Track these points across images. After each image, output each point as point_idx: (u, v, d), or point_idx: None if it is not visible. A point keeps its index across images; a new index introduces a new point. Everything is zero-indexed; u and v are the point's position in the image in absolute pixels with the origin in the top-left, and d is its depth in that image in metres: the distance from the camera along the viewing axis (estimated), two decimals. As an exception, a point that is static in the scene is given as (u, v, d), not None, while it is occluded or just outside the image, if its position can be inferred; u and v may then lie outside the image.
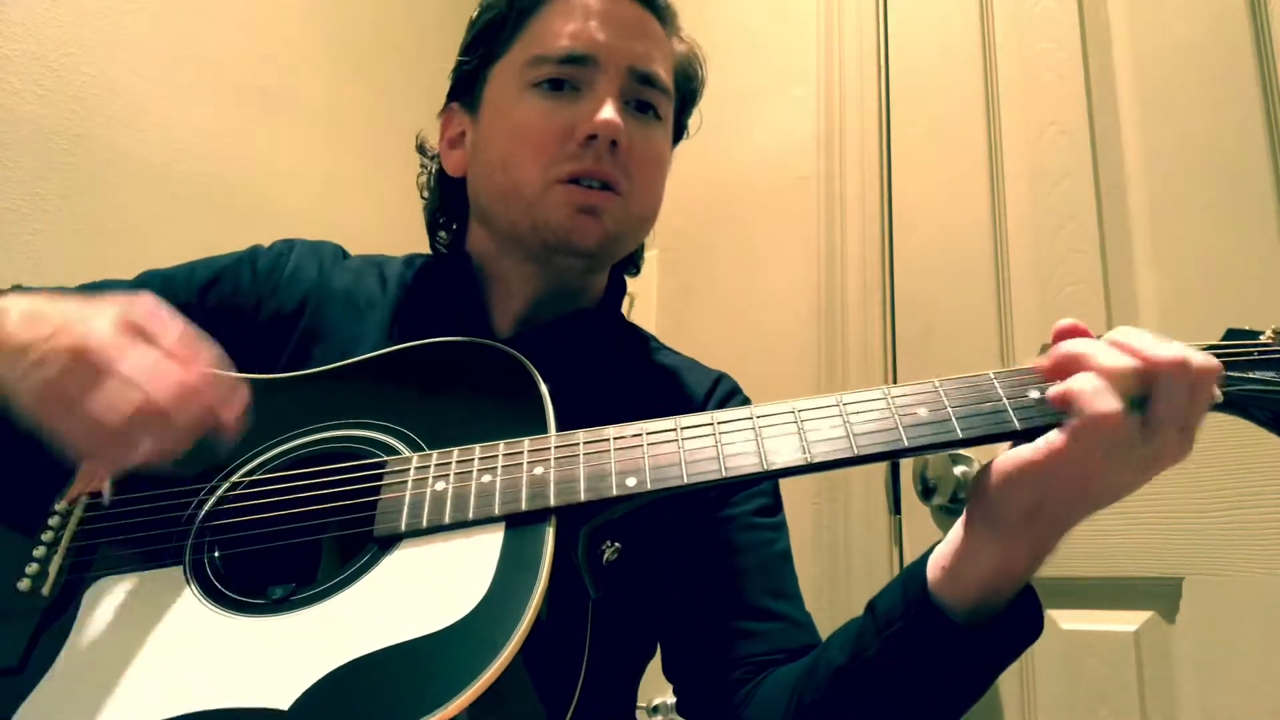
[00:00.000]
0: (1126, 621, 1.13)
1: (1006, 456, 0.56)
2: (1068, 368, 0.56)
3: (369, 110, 1.92)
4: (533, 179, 0.79)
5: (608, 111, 0.78)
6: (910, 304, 1.45)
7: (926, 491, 1.29)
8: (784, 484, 0.89)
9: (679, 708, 0.82)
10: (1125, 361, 0.53)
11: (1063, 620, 1.18)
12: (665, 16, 0.88)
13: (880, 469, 1.40)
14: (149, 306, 0.63)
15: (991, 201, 1.37)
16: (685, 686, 0.80)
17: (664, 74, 0.85)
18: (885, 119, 1.54)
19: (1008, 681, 1.22)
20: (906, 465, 1.35)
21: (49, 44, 1.47)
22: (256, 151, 1.74)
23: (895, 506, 1.38)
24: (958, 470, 1.27)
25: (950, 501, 1.28)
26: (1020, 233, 1.33)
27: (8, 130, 1.41)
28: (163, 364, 0.59)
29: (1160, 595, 1.11)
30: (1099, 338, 0.57)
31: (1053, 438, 0.54)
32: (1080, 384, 0.54)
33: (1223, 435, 1.07)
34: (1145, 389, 0.53)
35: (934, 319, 1.41)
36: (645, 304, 1.81)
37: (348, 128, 1.90)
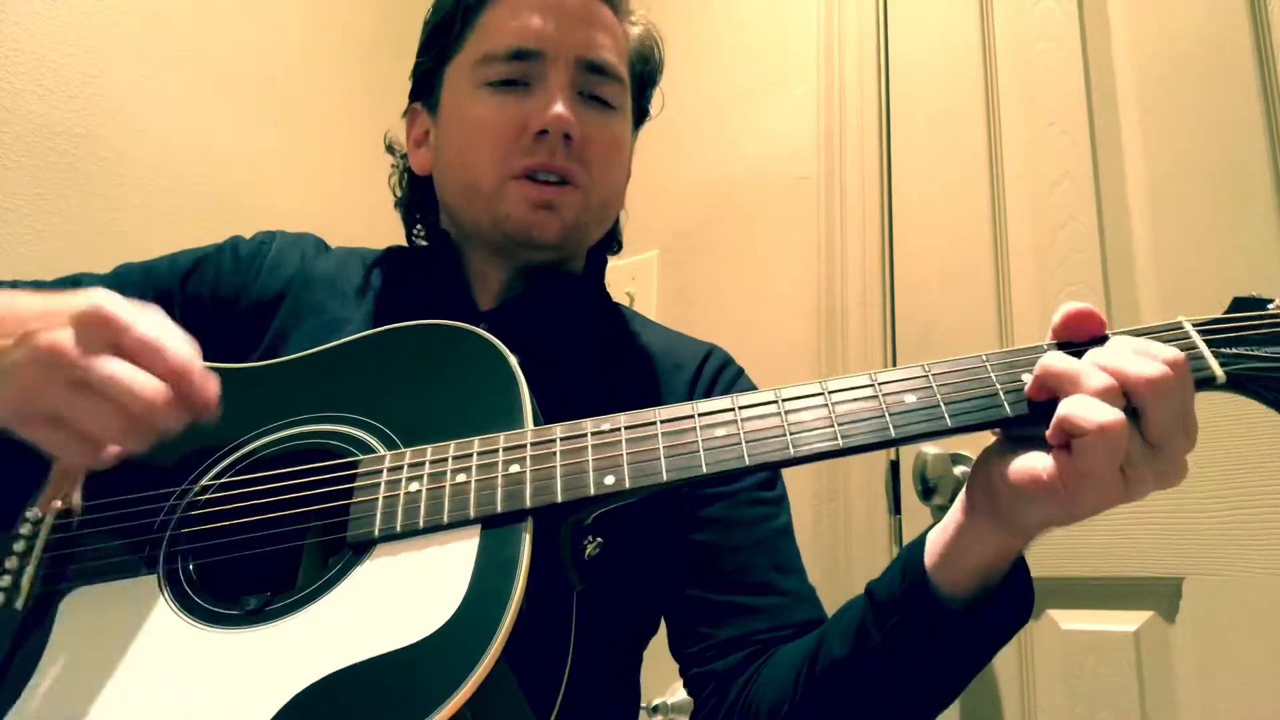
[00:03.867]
0: (1126, 621, 1.13)
1: (1021, 469, 0.53)
2: (1051, 387, 0.53)
3: (367, 110, 1.92)
4: (489, 174, 0.81)
5: (558, 106, 0.79)
6: (910, 304, 1.45)
7: (926, 491, 1.29)
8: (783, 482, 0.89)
9: (686, 687, 0.81)
10: (1107, 381, 0.51)
11: (1063, 620, 1.18)
12: (614, 2, 0.88)
13: (880, 469, 1.40)
14: (106, 300, 0.59)
15: (991, 201, 1.37)
16: (692, 667, 0.80)
17: (615, 61, 0.85)
18: (885, 119, 1.54)
19: (1008, 681, 1.21)
20: (906, 465, 1.35)
21: (49, 44, 1.47)
22: (255, 151, 1.74)
23: (895, 506, 1.38)
24: (958, 470, 1.27)
25: (950, 501, 1.27)
26: (1020, 233, 1.33)
27: (8, 130, 1.41)
28: (128, 368, 0.57)
29: (1160, 595, 1.10)
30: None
31: (1066, 464, 0.51)
32: (1074, 406, 0.51)
33: (1223, 435, 1.07)
34: (1134, 403, 0.51)
35: (934, 319, 1.41)
36: (645, 304, 1.81)
37: (345, 127, 1.90)
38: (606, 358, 0.87)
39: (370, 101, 1.92)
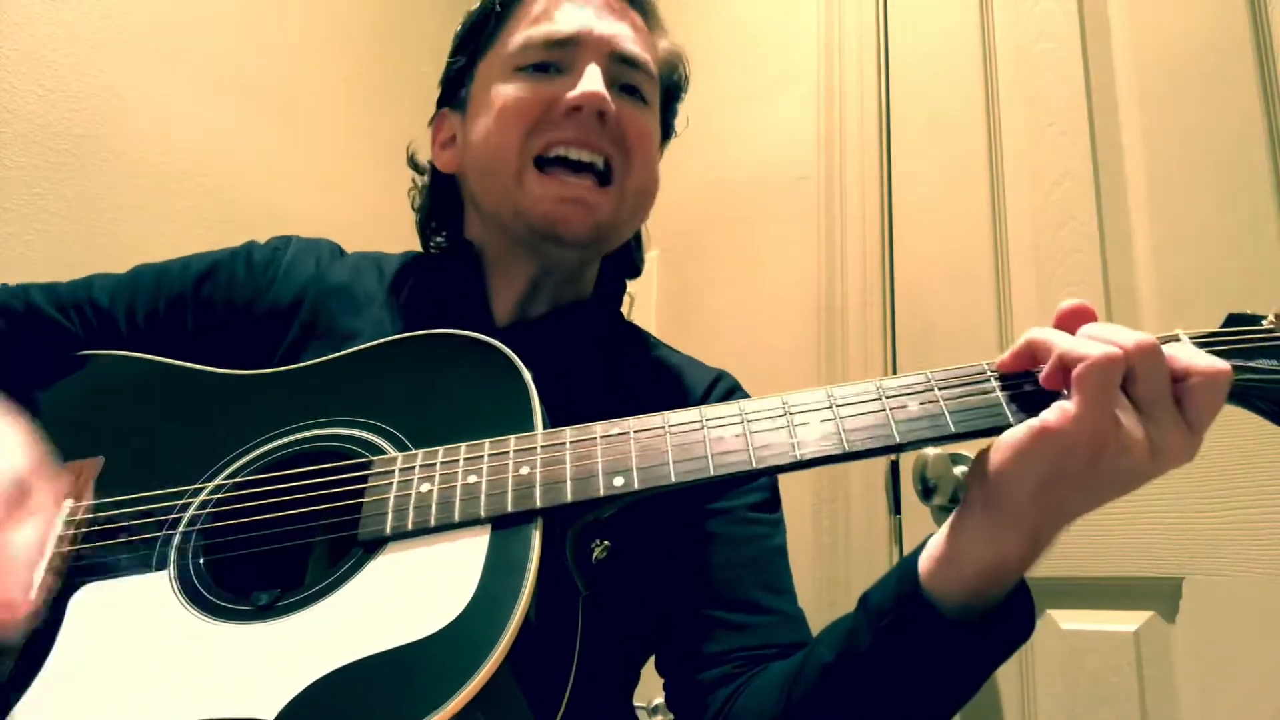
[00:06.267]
0: (1126, 621, 1.13)
1: (1015, 430, 0.54)
2: (1038, 352, 0.55)
3: (368, 111, 1.92)
4: (511, 151, 0.79)
5: (592, 82, 0.78)
6: (910, 304, 1.45)
7: (926, 491, 1.29)
8: (783, 484, 0.89)
9: (669, 701, 0.81)
10: (1102, 334, 0.54)
11: (1063, 620, 1.18)
12: (648, 11, 0.88)
13: (880, 470, 1.40)
14: None
15: (991, 201, 1.37)
16: (675, 679, 0.79)
17: (648, 59, 0.85)
18: (885, 119, 1.54)
19: (1008, 681, 1.21)
20: (906, 466, 1.35)
21: (49, 44, 1.47)
22: (255, 151, 1.74)
23: (895, 506, 1.38)
24: (958, 470, 1.27)
25: (950, 501, 1.28)
26: (1020, 233, 1.33)
27: (8, 130, 1.41)
28: None
29: (1160, 595, 1.10)
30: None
31: (1065, 403, 0.52)
32: (1073, 341, 0.53)
33: (1222, 434, 1.07)
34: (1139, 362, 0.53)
35: (934, 319, 1.41)
36: (645, 304, 1.81)
37: (347, 128, 1.90)
38: (616, 380, 0.87)
39: (370, 101, 1.93)
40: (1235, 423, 1.06)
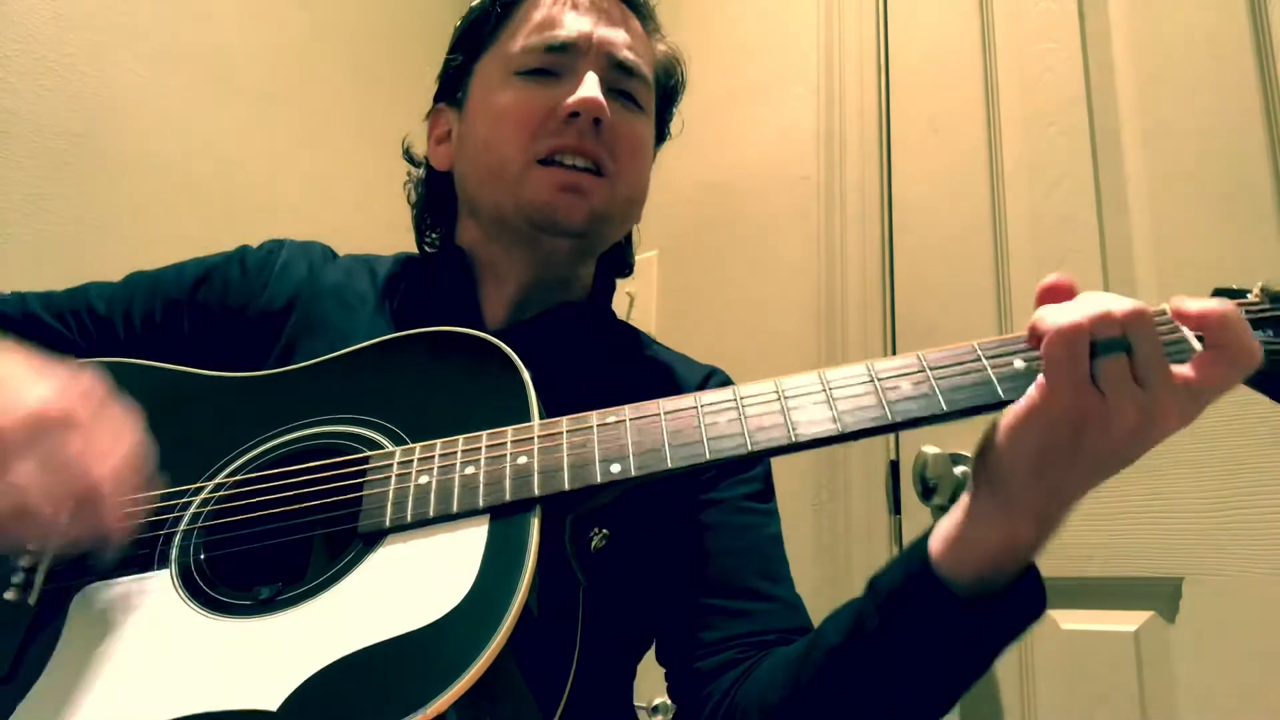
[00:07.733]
0: (1126, 621, 1.13)
1: (1009, 409, 0.55)
2: (1032, 332, 0.56)
3: (367, 111, 1.92)
4: (514, 156, 0.81)
5: (590, 89, 0.79)
6: (910, 304, 1.45)
7: (926, 491, 1.29)
8: (783, 484, 0.89)
9: (670, 691, 0.81)
10: (1084, 301, 0.55)
11: (1063, 620, 1.18)
12: (646, 15, 0.90)
13: (880, 469, 1.40)
14: (83, 389, 0.60)
15: (991, 201, 1.37)
16: (675, 669, 0.80)
17: (644, 66, 0.87)
18: (885, 119, 1.54)
19: (1008, 681, 1.21)
20: (906, 466, 1.35)
21: (49, 44, 1.47)
22: (254, 151, 1.74)
23: (895, 506, 1.38)
24: (958, 470, 1.27)
25: (950, 502, 1.28)
26: (1020, 233, 1.33)
27: (8, 130, 1.41)
28: (65, 467, 0.57)
29: (1160, 595, 1.10)
30: None
31: (1040, 377, 0.54)
32: (1041, 313, 0.54)
33: (1221, 435, 1.07)
34: (1122, 330, 0.53)
35: (934, 319, 1.41)
36: (645, 304, 1.81)
37: (346, 128, 1.90)
38: (609, 378, 0.87)
39: (370, 101, 1.93)
40: (1233, 424, 1.07)
